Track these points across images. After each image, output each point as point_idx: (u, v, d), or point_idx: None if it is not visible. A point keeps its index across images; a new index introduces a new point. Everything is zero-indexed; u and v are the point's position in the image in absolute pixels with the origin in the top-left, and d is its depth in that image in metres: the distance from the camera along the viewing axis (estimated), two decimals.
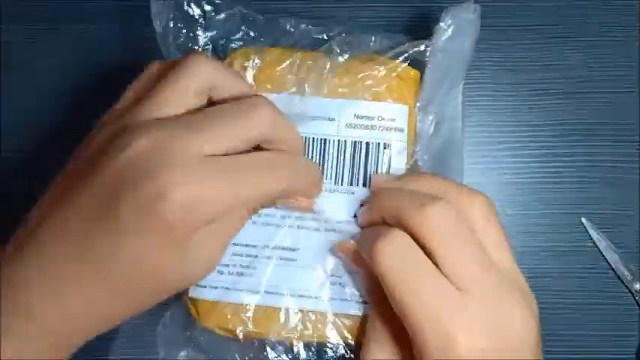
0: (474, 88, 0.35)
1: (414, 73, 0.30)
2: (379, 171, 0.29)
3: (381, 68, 0.29)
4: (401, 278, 0.22)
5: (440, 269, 0.22)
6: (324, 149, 0.29)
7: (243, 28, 0.31)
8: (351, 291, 0.28)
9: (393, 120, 0.29)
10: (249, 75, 0.29)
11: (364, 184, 0.29)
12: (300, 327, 0.28)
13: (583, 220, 0.34)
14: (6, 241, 0.23)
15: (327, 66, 0.29)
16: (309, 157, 0.29)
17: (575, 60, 0.35)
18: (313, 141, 0.29)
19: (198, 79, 0.24)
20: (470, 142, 0.35)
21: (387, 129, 0.29)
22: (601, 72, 0.35)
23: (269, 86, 0.29)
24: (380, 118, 0.29)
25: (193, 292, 0.29)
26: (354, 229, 0.28)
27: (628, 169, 0.34)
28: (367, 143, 0.29)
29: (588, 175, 0.34)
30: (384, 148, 0.29)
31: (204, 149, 0.22)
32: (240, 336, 0.28)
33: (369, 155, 0.29)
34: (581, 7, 0.35)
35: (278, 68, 0.29)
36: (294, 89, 0.29)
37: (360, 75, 0.29)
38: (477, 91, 0.35)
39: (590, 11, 0.35)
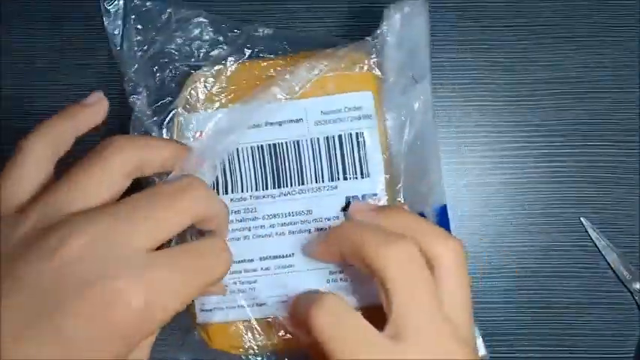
0: (473, 89, 0.35)
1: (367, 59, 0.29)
2: (356, 161, 0.28)
3: (336, 60, 0.29)
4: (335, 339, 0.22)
5: (388, 308, 0.22)
6: (299, 151, 0.29)
7: (210, 35, 0.30)
8: (352, 285, 0.28)
9: (360, 108, 0.29)
10: (203, 95, 0.29)
11: (345, 178, 0.28)
12: None
13: (582, 219, 0.34)
14: None
15: (285, 70, 0.29)
16: (286, 161, 0.29)
17: (576, 60, 0.35)
18: (287, 145, 0.29)
19: (125, 161, 0.22)
20: (470, 142, 0.35)
21: (355, 118, 0.29)
22: (601, 72, 0.35)
23: (227, 100, 0.29)
24: (346, 109, 0.29)
25: (201, 318, 0.29)
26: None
27: (628, 169, 0.34)
28: (340, 136, 0.29)
29: (588, 175, 0.34)
30: (357, 137, 0.29)
31: (147, 243, 0.20)
32: (255, 351, 0.28)
33: (344, 147, 0.29)
34: (581, 7, 0.35)
35: (236, 83, 0.29)
36: (253, 99, 0.28)
37: (316, 71, 0.29)
38: (476, 91, 0.35)
39: (590, 11, 0.35)
